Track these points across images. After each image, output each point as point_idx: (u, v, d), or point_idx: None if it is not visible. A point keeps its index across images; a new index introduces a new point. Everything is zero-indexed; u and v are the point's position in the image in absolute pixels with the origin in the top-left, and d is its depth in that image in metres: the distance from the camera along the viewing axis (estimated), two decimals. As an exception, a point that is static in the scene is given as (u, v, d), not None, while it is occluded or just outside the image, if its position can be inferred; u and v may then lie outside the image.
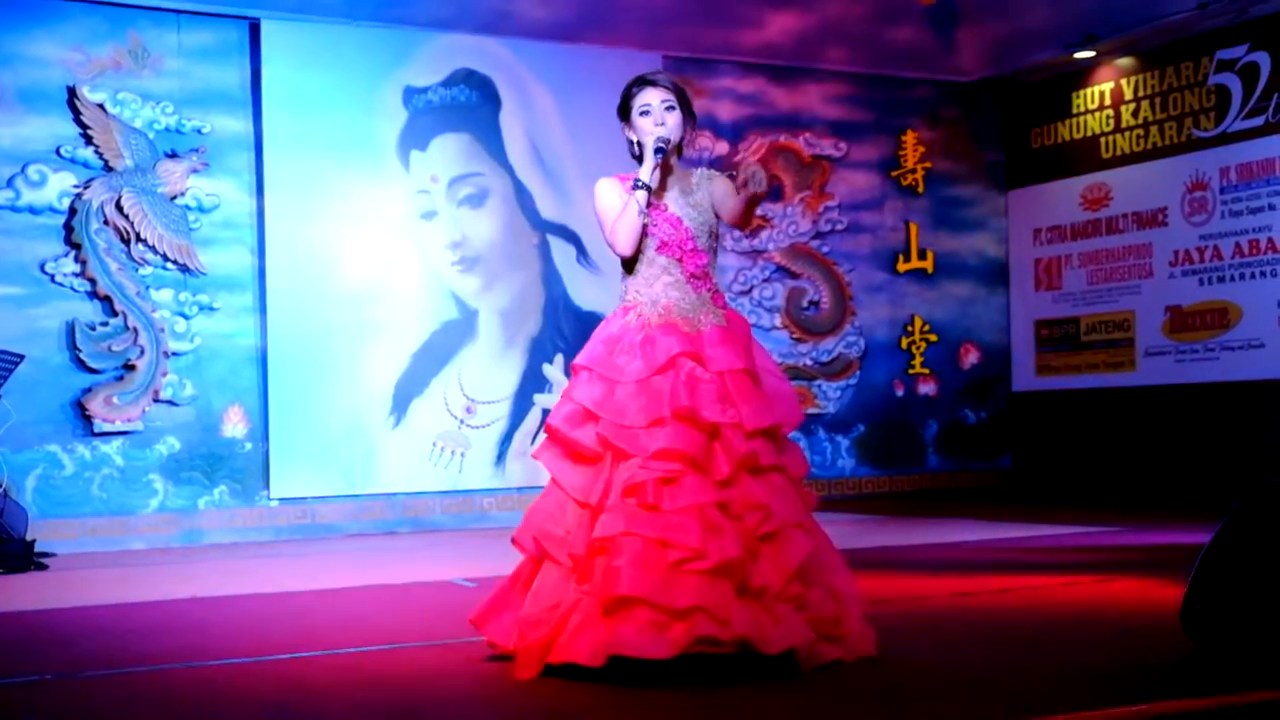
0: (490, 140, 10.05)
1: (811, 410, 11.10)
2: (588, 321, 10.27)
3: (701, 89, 10.70)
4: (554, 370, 10.10)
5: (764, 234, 11.00)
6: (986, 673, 4.00)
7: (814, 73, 11.22)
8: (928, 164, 11.67)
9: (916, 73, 11.54)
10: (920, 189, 11.65)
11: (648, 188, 4.28)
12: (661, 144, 4.29)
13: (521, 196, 10.11)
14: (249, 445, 9.29)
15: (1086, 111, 11.32)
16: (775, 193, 11.06)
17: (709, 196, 4.39)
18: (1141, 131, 10.86)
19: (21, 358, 7.94)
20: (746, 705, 3.59)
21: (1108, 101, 11.14)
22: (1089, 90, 11.29)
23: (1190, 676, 3.82)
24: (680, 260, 4.32)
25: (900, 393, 11.51)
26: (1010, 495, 11.46)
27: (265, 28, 9.36)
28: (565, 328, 10.19)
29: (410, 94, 9.82)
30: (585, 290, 10.23)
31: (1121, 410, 10.96)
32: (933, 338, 11.62)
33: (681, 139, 4.41)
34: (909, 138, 11.61)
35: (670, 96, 4.37)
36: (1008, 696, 3.65)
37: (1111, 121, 11.11)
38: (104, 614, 5.79)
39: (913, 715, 3.45)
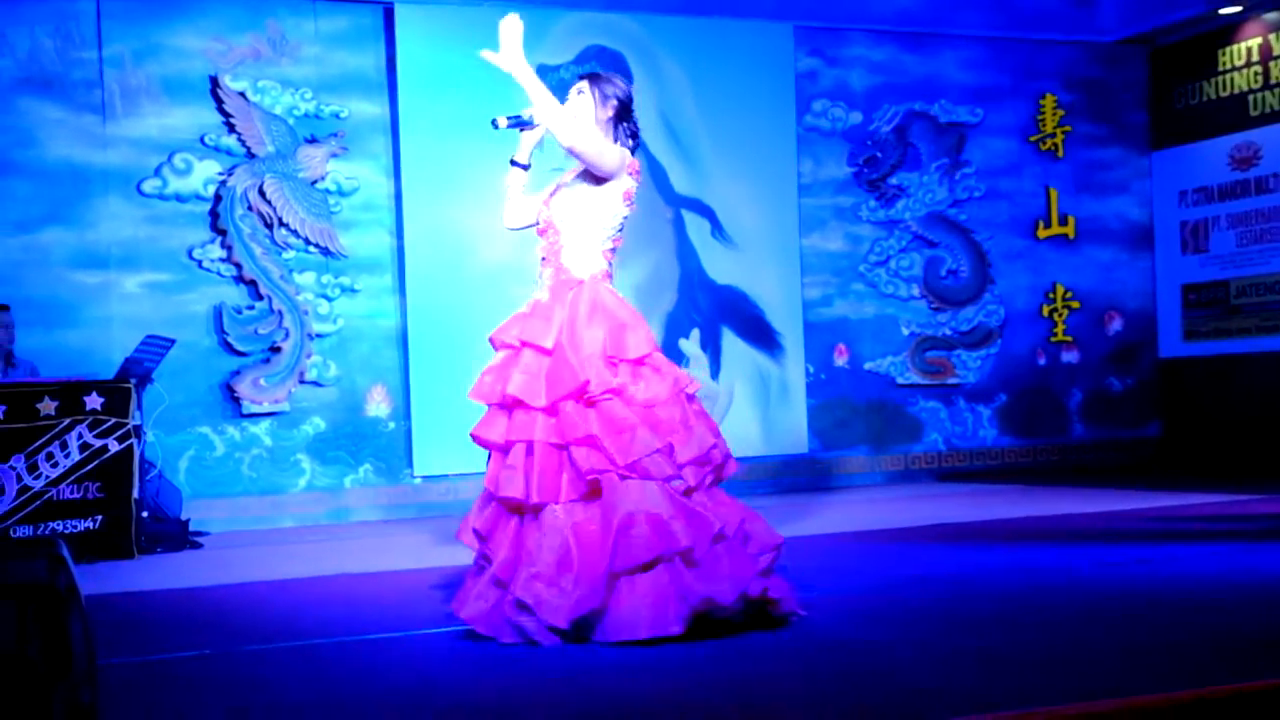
0: (623, 116, 10.04)
1: (951, 380, 10.97)
2: (723, 296, 10.26)
3: (834, 58, 10.59)
4: (691, 345, 10.10)
5: (900, 203, 10.87)
6: (1135, 642, 3.92)
7: (948, 37, 11.03)
8: (1067, 127, 11.42)
9: (1054, 34, 11.29)
10: (1060, 153, 11.41)
11: (518, 165, 5.09)
12: (500, 119, 4.91)
13: (655, 172, 10.10)
14: (392, 424, 9.45)
15: (1233, 69, 10.98)
16: (912, 160, 10.91)
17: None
18: (1292, 87, 10.52)
19: (173, 342, 8.14)
20: (886, 648, 3.57)
21: (1255, 58, 10.79)
22: (1235, 47, 10.95)
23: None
24: (546, 242, 4.87)
25: (1042, 361, 11.30)
26: (1160, 464, 11.22)
27: (399, 12, 9.48)
28: (701, 302, 10.18)
29: (543, 72, 9.71)
30: (720, 265, 10.20)
31: (1276, 375, 10.64)
32: (1075, 304, 11.39)
33: (608, 120, 4.86)
34: (1048, 101, 11.37)
35: (583, 82, 4.89)
36: (1157, 667, 3.57)
37: (1260, 78, 10.76)
38: (259, 589, 5.94)
39: (1059, 683, 3.40)
